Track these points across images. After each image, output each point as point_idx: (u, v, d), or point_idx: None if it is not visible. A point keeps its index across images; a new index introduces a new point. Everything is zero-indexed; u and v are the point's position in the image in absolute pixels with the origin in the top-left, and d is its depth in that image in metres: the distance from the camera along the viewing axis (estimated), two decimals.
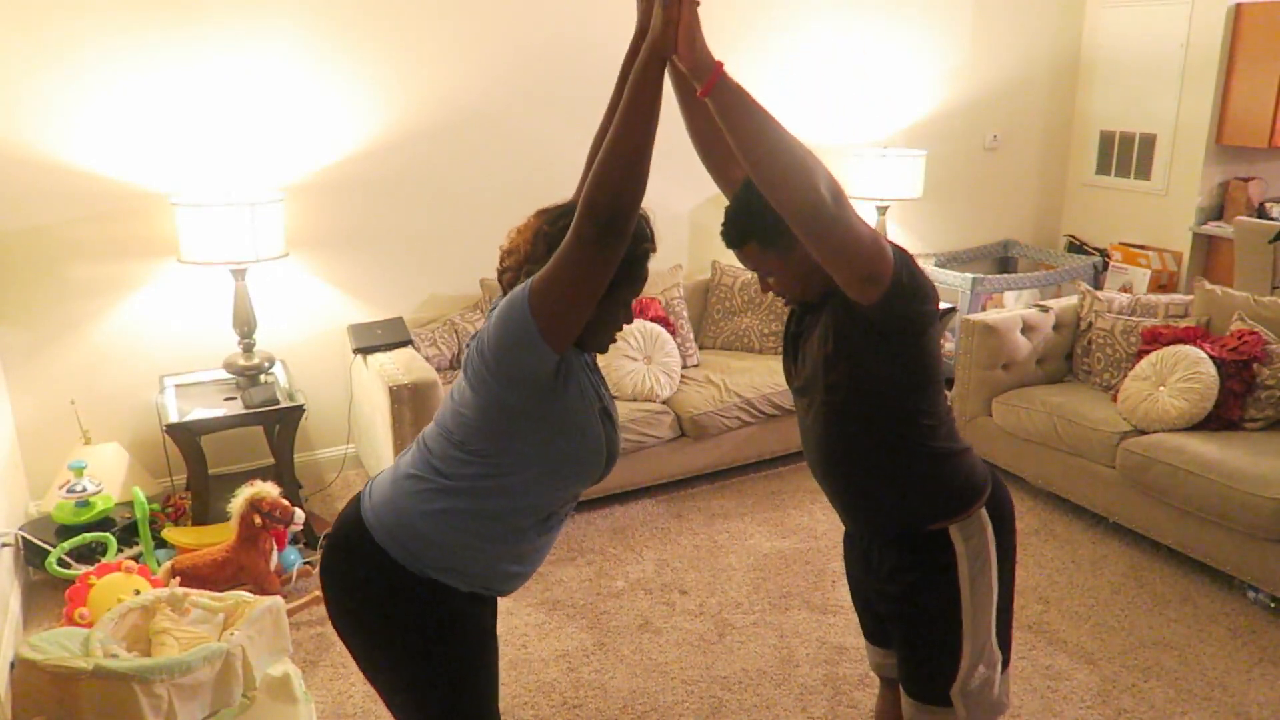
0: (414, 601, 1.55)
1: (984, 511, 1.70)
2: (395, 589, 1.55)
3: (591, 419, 1.54)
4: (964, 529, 1.68)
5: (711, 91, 1.36)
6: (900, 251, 1.52)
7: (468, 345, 1.56)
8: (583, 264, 1.36)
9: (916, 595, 1.72)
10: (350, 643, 1.63)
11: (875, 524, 1.78)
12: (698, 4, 1.36)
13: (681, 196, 4.41)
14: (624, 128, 1.33)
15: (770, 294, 1.62)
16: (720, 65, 1.36)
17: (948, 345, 4.93)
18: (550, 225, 1.52)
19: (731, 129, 1.37)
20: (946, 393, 1.86)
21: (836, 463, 1.73)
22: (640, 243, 1.52)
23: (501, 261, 1.60)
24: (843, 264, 1.43)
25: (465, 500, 1.53)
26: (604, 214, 1.33)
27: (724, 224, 1.63)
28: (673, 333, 3.99)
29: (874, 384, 1.60)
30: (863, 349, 1.56)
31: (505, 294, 1.52)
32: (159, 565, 3.08)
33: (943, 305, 4.65)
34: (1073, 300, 3.99)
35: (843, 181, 5.23)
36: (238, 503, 2.97)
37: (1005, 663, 1.78)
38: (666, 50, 1.36)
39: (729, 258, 1.46)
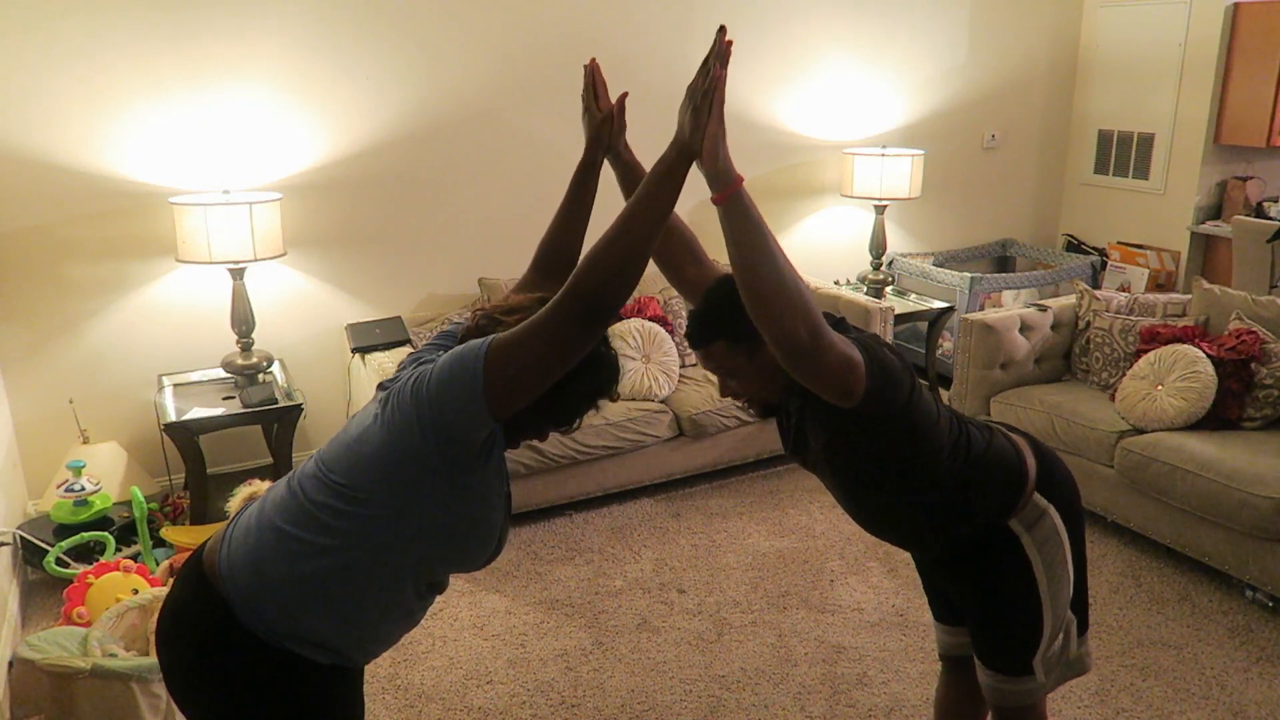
0: (265, 678, 1.39)
1: (1038, 495, 1.72)
2: (244, 662, 1.39)
3: (497, 503, 1.45)
4: (1023, 519, 1.71)
5: (727, 201, 1.41)
6: (867, 347, 1.51)
7: (381, 387, 1.46)
8: (555, 337, 1.31)
9: (994, 591, 1.75)
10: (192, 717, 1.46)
11: (934, 550, 1.82)
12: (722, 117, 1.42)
13: (681, 197, 4.40)
14: (636, 218, 1.35)
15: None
16: (741, 179, 1.41)
17: (946, 344, 4.93)
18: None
19: (736, 240, 1.41)
20: (942, 392, 1.87)
21: (872, 520, 1.79)
22: (610, 373, 1.49)
23: (505, 315, 1.47)
24: (815, 385, 1.47)
25: (337, 558, 1.37)
26: (593, 296, 1.31)
27: (690, 324, 1.64)
28: (671, 332, 3.99)
29: (878, 456, 1.63)
30: (855, 435, 1.60)
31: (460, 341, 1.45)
32: (157, 564, 3.08)
33: (940, 305, 4.69)
34: (1071, 299, 3.98)
35: (842, 181, 5.15)
36: (236, 502, 2.97)
37: (1084, 625, 1.81)
38: (694, 154, 1.40)
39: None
